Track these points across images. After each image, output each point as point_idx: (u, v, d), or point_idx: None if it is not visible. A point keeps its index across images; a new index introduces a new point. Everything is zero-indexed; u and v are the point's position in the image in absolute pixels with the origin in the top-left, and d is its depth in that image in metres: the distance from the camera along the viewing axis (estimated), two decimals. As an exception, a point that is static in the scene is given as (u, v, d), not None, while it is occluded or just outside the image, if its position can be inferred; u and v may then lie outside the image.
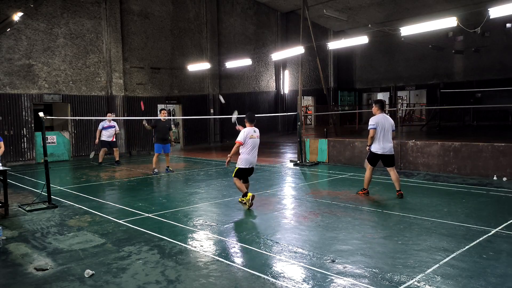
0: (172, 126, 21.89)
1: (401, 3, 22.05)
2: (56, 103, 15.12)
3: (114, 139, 13.34)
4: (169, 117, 11.90)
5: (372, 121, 7.29)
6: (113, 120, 13.26)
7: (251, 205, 6.69)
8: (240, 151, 6.91)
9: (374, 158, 7.39)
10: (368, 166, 7.51)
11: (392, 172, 7.33)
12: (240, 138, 6.85)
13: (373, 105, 7.64)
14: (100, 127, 13.10)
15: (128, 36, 16.65)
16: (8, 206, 6.68)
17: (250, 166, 6.93)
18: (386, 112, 7.36)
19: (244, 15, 21.92)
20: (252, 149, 6.86)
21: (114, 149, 13.32)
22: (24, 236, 5.51)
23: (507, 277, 3.84)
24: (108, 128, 13.05)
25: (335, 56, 28.86)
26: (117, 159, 13.33)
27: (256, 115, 7.16)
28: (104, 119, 13.21)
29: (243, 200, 6.92)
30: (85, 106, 15.48)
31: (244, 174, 6.99)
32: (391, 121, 7.41)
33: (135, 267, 4.28)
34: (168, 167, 11.28)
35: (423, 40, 21.50)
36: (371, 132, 7.25)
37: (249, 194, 6.77)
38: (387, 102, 31.06)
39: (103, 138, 13.08)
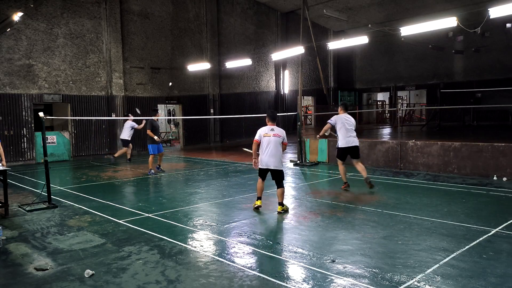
0: (172, 126, 21.93)
1: (401, 3, 22.05)
2: (56, 103, 15.13)
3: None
4: (163, 117, 12.26)
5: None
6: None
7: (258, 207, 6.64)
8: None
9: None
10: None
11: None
12: (256, 136, 6.62)
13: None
14: (135, 126, 13.59)
15: (128, 36, 16.65)
16: (8, 206, 6.68)
17: (265, 167, 6.51)
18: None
19: (244, 15, 21.92)
20: (266, 148, 6.45)
21: (130, 146, 13.98)
22: (24, 236, 5.51)
23: (507, 277, 3.84)
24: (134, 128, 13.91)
25: (335, 56, 28.87)
26: (129, 157, 14.07)
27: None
28: (127, 119, 13.81)
29: (254, 205, 6.73)
30: (85, 106, 15.49)
31: (261, 173, 6.63)
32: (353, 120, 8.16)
33: (135, 267, 4.28)
34: (159, 165, 11.34)
35: (423, 40, 21.49)
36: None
37: (258, 202, 6.63)
38: (387, 102, 31.11)
39: (128, 137, 13.67)
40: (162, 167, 11.45)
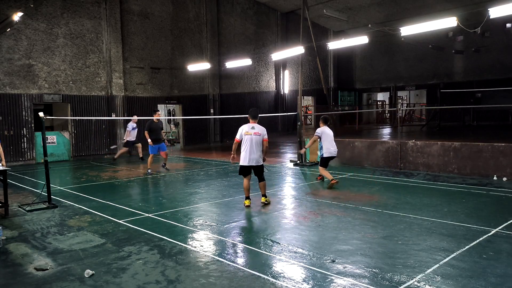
0: (172, 126, 21.91)
1: (401, 3, 22.05)
2: (56, 103, 15.12)
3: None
4: (163, 117, 12.47)
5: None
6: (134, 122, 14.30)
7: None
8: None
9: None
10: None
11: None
12: (237, 135, 6.85)
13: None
14: (129, 128, 14.08)
15: (128, 36, 16.64)
16: (8, 206, 6.69)
17: (248, 164, 6.74)
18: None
19: (244, 15, 21.92)
20: (248, 146, 6.68)
21: (138, 145, 14.33)
22: (24, 236, 5.52)
23: (507, 277, 3.84)
24: (136, 129, 14.17)
25: (335, 56, 28.85)
26: (141, 155, 14.29)
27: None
28: (130, 119, 14.22)
29: (245, 203, 6.95)
30: (85, 106, 15.48)
31: (245, 171, 6.88)
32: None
33: (135, 267, 4.28)
34: (164, 164, 11.60)
35: (423, 40, 21.48)
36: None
37: (247, 202, 6.89)
38: (387, 102, 31.13)
39: (131, 138, 14.11)
40: (166, 166, 11.69)
